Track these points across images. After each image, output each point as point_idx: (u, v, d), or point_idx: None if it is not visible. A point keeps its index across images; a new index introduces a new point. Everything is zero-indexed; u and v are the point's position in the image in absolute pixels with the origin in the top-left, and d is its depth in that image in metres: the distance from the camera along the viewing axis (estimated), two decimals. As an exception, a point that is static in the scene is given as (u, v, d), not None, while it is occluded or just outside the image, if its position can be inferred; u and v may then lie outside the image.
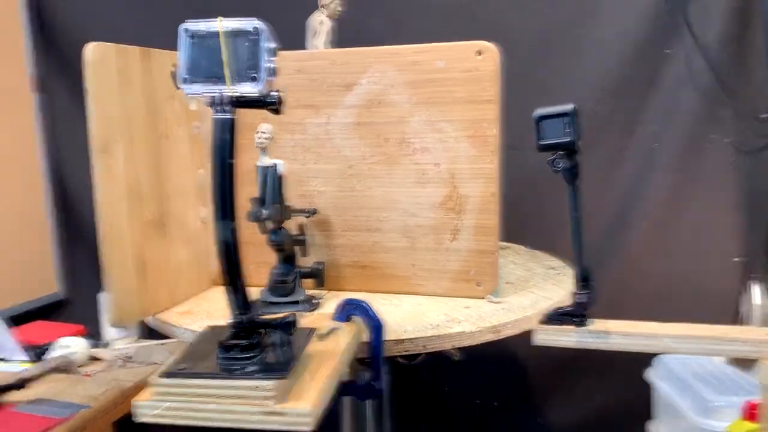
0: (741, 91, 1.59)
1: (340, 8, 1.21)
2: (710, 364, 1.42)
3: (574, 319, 0.87)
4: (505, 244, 1.42)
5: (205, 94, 0.68)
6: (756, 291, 1.63)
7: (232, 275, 0.71)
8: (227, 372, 0.71)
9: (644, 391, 1.55)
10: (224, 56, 0.67)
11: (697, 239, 1.66)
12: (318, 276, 1.11)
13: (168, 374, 0.71)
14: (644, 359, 1.56)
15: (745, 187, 1.64)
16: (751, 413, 1.11)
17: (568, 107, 0.83)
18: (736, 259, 1.65)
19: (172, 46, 0.70)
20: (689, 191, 1.65)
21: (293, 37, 1.23)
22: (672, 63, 1.60)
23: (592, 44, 1.62)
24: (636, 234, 1.69)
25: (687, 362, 1.43)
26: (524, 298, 1.11)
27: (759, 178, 1.62)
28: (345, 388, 0.98)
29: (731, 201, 1.64)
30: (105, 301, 0.99)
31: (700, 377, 1.38)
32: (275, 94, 0.68)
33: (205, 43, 0.68)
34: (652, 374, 1.52)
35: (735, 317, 1.66)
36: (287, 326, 0.75)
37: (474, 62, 1.04)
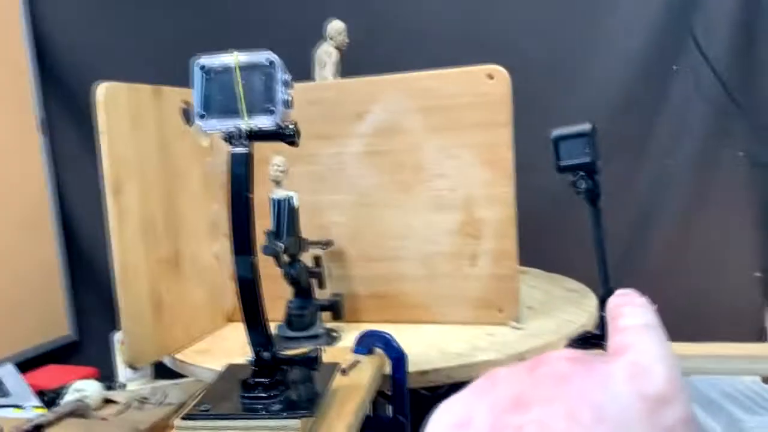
0: (750, 104, 1.58)
1: (347, 39, 1.22)
2: (740, 383, 1.38)
3: (603, 343, 0.84)
4: (522, 268, 1.40)
5: (221, 129, 0.67)
6: (779, 306, 1.60)
7: (253, 311, 0.70)
8: (251, 412, 0.68)
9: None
10: (239, 90, 0.66)
11: (716, 256, 1.64)
12: (336, 308, 1.09)
13: (190, 416, 0.69)
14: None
15: (760, 200, 1.61)
16: (789, 433, 1.08)
17: (586, 126, 0.81)
18: (757, 274, 1.62)
19: (182, 83, 0.69)
20: (705, 207, 1.63)
21: (300, 69, 1.24)
22: (680, 79, 1.60)
23: (601, 64, 1.62)
24: (654, 253, 1.66)
25: (715, 383, 1.39)
26: (547, 322, 1.09)
27: (774, 191, 1.60)
28: (369, 423, 0.96)
29: (747, 215, 1.62)
30: (119, 341, 0.97)
31: (731, 397, 1.34)
32: (291, 126, 0.67)
33: (220, 78, 0.67)
34: (680, 396, 1.47)
35: (761, 333, 1.62)
36: (311, 362, 0.73)
37: (485, 86, 1.04)
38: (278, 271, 1.02)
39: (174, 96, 1.07)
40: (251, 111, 0.66)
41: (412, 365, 0.92)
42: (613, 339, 0.32)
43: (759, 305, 1.63)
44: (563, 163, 0.82)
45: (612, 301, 0.36)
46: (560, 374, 0.29)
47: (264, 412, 0.68)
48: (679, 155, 1.61)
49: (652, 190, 1.65)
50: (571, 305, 1.18)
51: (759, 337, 1.62)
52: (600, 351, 0.31)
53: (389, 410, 0.93)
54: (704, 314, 1.65)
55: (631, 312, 0.34)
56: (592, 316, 1.10)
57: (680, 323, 1.68)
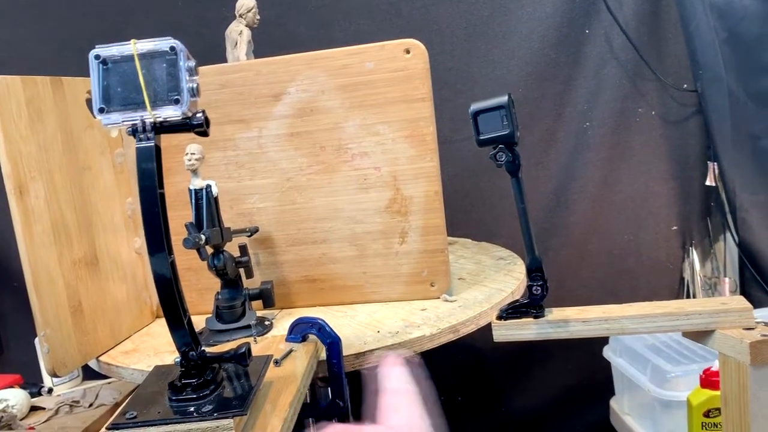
0: (662, 64, 1.63)
1: (258, 16, 1.17)
2: (663, 336, 1.45)
3: (532, 311, 0.86)
4: (451, 239, 1.41)
5: (124, 123, 0.63)
6: (695, 257, 1.68)
7: (174, 311, 0.67)
8: (181, 415, 0.66)
9: (604, 368, 1.57)
10: (141, 80, 0.62)
11: (636, 212, 1.70)
12: (267, 296, 1.06)
13: (116, 426, 0.66)
14: (602, 338, 1.59)
15: (675, 157, 1.68)
16: (710, 381, 1.14)
17: (503, 99, 0.81)
18: (675, 228, 1.70)
19: (87, 72, 0.65)
20: (623, 166, 1.69)
21: (213, 51, 1.19)
22: (593, 42, 1.63)
23: (515, 31, 1.63)
24: (576, 213, 1.71)
25: (640, 336, 1.45)
26: (478, 292, 1.10)
27: (687, 147, 1.67)
28: (308, 411, 0.95)
29: (663, 172, 1.68)
30: (41, 348, 0.92)
31: (656, 349, 1.40)
32: (200, 115, 0.64)
33: (119, 68, 0.63)
34: (609, 351, 1.54)
35: (680, 283, 1.70)
36: (240, 358, 0.71)
37: (403, 61, 1.02)
38: (204, 264, 0.99)
39: (76, 86, 1.01)
40: (155, 102, 0.63)
41: (348, 348, 0.91)
42: (383, 398, 0.46)
43: (678, 257, 1.70)
44: (482, 137, 0.82)
45: (382, 364, 0.50)
46: None
47: (195, 414, 0.65)
48: (597, 117, 1.65)
49: (572, 152, 1.68)
50: (500, 273, 1.20)
51: (679, 287, 1.70)
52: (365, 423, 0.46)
53: (328, 394, 0.93)
54: (627, 267, 1.72)
55: (397, 377, 0.49)
56: (522, 283, 1.12)
57: (605, 277, 1.76)
